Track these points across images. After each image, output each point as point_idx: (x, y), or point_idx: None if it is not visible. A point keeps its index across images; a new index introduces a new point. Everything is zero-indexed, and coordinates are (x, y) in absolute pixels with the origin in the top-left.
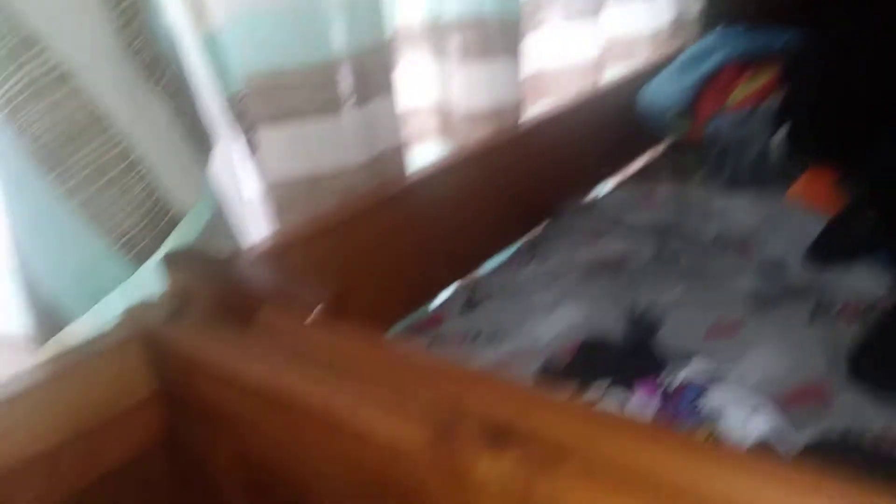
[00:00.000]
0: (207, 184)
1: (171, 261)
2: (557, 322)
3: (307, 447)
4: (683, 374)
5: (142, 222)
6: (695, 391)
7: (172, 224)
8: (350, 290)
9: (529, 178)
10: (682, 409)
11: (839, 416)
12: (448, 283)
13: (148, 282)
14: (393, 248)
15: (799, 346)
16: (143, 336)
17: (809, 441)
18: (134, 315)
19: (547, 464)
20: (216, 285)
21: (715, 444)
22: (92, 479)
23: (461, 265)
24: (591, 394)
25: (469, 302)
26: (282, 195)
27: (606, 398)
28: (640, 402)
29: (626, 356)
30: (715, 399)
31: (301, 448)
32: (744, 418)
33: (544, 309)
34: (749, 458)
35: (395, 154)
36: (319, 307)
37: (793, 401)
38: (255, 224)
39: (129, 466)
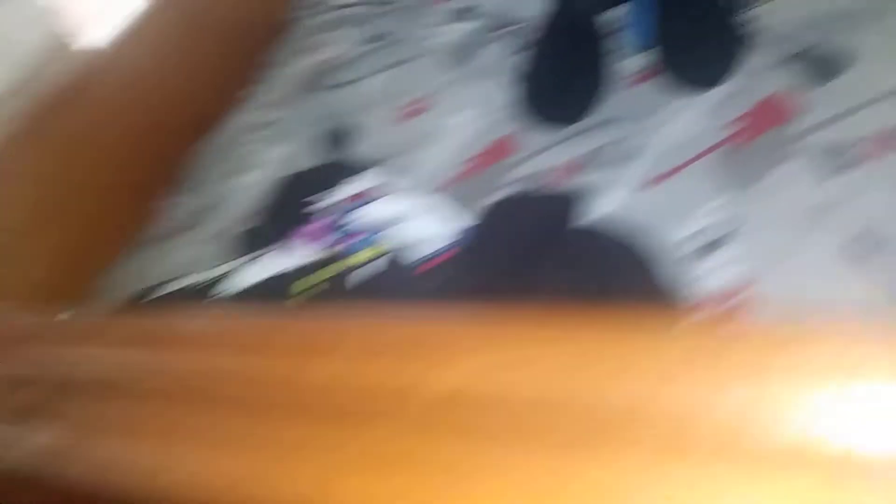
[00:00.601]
0: None
1: None
2: (266, 170)
3: None
4: (336, 200)
5: None
6: (346, 212)
7: None
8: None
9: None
10: (340, 237)
11: (526, 164)
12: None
13: None
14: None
15: (491, 98)
16: None
17: (498, 198)
18: None
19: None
20: None
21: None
22: None
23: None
24: (253, 268)
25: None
26: None
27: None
28: (303, 249)
29: (318, 183)
30: (378, 213)
31: None
32: (414, 226)
33: (252, 166)
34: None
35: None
36: None
37: (487, 160)
38: None
39: None
